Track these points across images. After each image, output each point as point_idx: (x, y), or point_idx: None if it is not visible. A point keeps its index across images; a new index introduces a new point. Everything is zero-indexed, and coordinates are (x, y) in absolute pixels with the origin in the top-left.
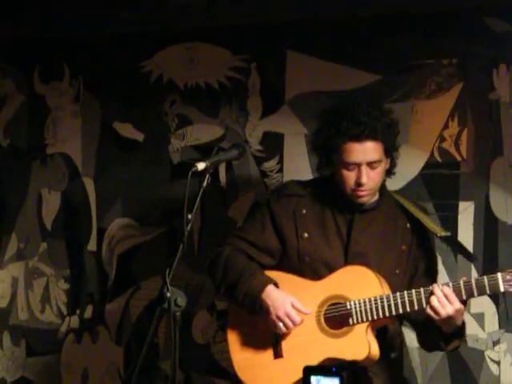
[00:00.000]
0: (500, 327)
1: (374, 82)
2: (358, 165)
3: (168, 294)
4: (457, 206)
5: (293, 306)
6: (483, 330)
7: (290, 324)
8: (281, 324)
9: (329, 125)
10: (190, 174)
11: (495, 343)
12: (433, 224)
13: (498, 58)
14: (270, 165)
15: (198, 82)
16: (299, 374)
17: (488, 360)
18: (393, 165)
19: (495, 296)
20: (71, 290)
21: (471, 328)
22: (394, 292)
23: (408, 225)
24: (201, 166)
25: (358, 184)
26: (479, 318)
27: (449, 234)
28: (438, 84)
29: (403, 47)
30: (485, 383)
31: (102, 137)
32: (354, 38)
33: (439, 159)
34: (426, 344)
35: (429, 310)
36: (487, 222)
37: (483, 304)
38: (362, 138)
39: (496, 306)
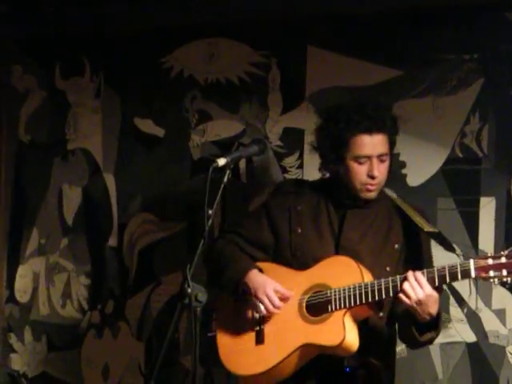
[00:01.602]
0: None
1: (394, 77)
2: (369, 158)
3: (189, 290)
4: (478, 202)
5: (275, 289)
6: (504, 326)
7: (268, 305)
8: (260, 305)
9: (337, 121)
10: (210, 169)
11: None
12: (422, 221)
13: None
14: (291, 160)
15: (218, 77)
16: (276, 359)
17: (509, 356)
18: (392, 162)
19: None
20: (92, 285)
21: (492, 324)
22: None
23: (402, 225)
24: (221, 161)
25: (371, 177)
26: (500, 314)
27: (436, 230)
28: (459, 79)
29: (424, 42)
30: (506, 379)
31: (122, 132)
32: (374, 34)
33: (460, 155)
34: (404, 337)
35: (400, 295)
36: (508, 218)
37: (504, 300)
38: (372, 130)
39: None
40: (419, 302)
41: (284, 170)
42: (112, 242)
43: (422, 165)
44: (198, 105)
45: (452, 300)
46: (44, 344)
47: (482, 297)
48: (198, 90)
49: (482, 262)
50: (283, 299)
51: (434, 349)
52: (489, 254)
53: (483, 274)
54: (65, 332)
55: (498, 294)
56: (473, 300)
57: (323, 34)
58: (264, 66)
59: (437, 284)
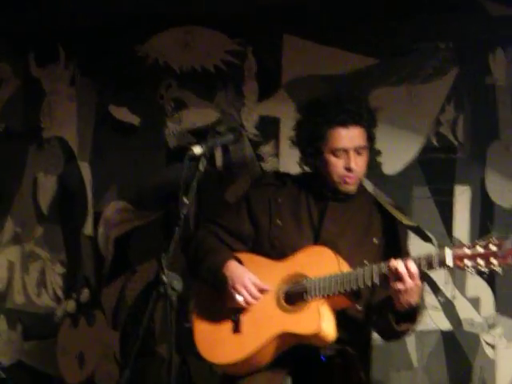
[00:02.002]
0: (496, 311)
1: (370, 65)
2: (346, 151)
3: (164, 278)
4: (453, 190)
5: (253, 282)
6: (479, 313)
7: (246, 295)
8: (238, 296)
9: (314, 114)
10: (186, 157)
11: (491, 327)
12: (401, 216)
13: (495, 41)
14: (266, 149)
15: (193, 65)
16: (253, 348)
17: (483, 344)
18: (370, 155)
19: (491, 280)
20: (67, 273)
21: (467, 312)
22: None
23: (382, 220)
24: (197, 149)
25: (348, 169)
26: (475, 302)
27: (415, 224)
28: (434, 68)
29: (400, 31)
30: (480, 367)
31: (97, 120)
32: (350, 22)
33: (436, 143)
34: (380, 326)
35: (395, 282)
36: (483, 206)
37: (479, 288)
38: (349, 123)
39: (492, 289)
40: (407, 291)
41: (260, 159)
42: (87, 230)
43: (398, 153)
44: (174, 93)
45: (427, 288)
46: (19, 333)
47: (456, 285)
48: (173, 78)
49: (458, 252)
50: (260, 292)
51: (409, 337)
52: (465, 243)
53: (459, 263)
54: (40, 321)
55: (473, 282)
56: (448, 288)
57: (299, 23)
58: (240, 54)
59: None
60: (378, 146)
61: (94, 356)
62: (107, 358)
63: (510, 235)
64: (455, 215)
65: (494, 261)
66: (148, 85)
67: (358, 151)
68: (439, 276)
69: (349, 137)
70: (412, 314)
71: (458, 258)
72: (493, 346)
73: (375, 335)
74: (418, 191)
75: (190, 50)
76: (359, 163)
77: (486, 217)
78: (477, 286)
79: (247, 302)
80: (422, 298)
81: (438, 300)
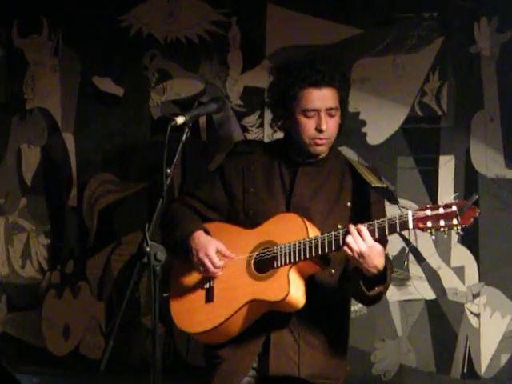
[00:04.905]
0: (480, 280)
1: (354, 35)
2: (318, 111)
3: (147, 249)
4: (437, 160)
5: (217, 250)
6: (463, 283)
7: (209, 265)
8: (201, 266)
9: (286, 75)
10: (168, 128)
11: (475, 296)
12: (372, 178)
13: (479, 10)
14: (251, 119)
15: (177, 36)
16: (224, 316)
17: (468, 313)
18: (342, 120)
19: (475, 249)
20: (52, 245)
21: (451, 281)
22: None
23: (354, 183)
24: (180, 120)
25: (319, 130)
26: (459, 271)
27: (384, 185)
28: (418, 38)
29: (384, 1)
30: (465, 336)
31: (81, 91)
32: None
33: (420, 113)
34: (353, 292)
35: (344, 247)
36: (467, 176)
37: (463, 257)
38: (321, 84)
39: (476, 258)
40: (362, 255)
41: (244, 129)
42: (72, 201)
43: (382, 123)
44: (158, 64)
45: (411, 257)
46: (3, 304)
47: (440, 254)
48: (157, 48)
49: (420, 214)
50: (226, 259)
51: (394, 306)
52: (428, 205)
53: (421, 225)
54: (24, 292)
55: (457, 251)
56: (432, 258)
57: None
58: (224, 24)
59: (376, 236)
60: (363, 116)
61: (79, 327)
62: (92, 330)
63: (472, 195)
64: (440, 185)
65: (454, 221)
66: (132, 56)
67: (329, 113)
68: (424, 246)
69: (320, 97)
70: (382, 276)
71: (419, 220)
72: (477, 315)
73: (359, 305)
74: (402, 161)
75: (173, 20)
76: (330, 124)
77: (470, 186)
78: (461, 256)
79: (210, 272)
80: (389, 259)
81: (422, 269)
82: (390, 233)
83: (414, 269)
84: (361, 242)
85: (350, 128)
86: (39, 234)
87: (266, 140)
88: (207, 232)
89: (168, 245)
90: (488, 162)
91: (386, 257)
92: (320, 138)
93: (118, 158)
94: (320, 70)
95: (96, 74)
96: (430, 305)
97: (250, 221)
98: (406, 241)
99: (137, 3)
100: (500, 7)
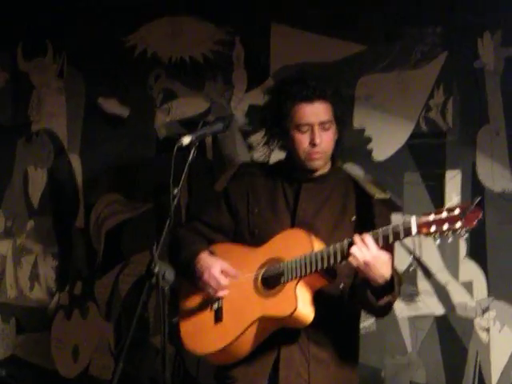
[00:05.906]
0: (489, 295)
1: (358, 52)
2: (311, 126)
3: (156, 269)
4: (444, 175)
5: (221, 269)
6: (472, 297)
7: (214, 286)
8: (207, 287)
9: (278, 93)
10: (175, 148)
11: (484, 311)
12: (375, 189)
13: (482, 25)
14: (256, 138)
15: (182, 55)
16: (234, 335)
17: (477, 328)
18: (341, 135)
19: (483, 263)
20: (60, 266)
21: (460, 296)
22: None
23: (357, 198)
24: (186, 140)
25: (313, 145)
26: (468, 286)
27: (387, 196)
28: (422, 53)
29: (387, 16)
30: (475, 351)
31: (86, 113)
32: (337, 9)
33: (425, 129)
34: (362, 304)
35: (350, 258)
36: (474, 190)
37: (471, 272)
38: (312, 98)
39: (484, 273)
40: (367, 263)
41: (250, 148)
42: (79, 223)
43: (388, 139)
44: (163, 83)
45: (420, 273)
46: (13, 327)
47: (449, 269)
48: (162, 68)
49: (423, 219)
50: (232, 278)
51: (403, 322)
52: (432, 211)
53: (425, 230)
54: (33, 314)
55: (466, 265)
56: (441, 273)
57: (286, 11)
58: (228, 43)
59: (381, 244)
60: (368, 132)
61: (88, 348)
62: (101, 350)
63: (475, 199)
64: (446, 200)
65: (457, 224)
66: (137, 76)
67: (323, 126)
68: (432, 262)
69: (313, 112)
70: (389, 286)
71: (423, 225)
72: (487, 330)
73: (368, 321)
74: (408, 177)
75: (178, 40)
76: (325, 138)
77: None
78: (469, 271)
79: (215, 292)
80: (396, 271)
81: (431, 285)
82: (395, 240)
83: (423, 284)
84: (365, 250)
85: (356, 145)
86: (47, 256)
87: (272, 159)
88: (212, 253)
89: (176, 269)
90: (494, 176)
91: (394, 269)
92: (315, 152)
93: (124, 179)
94: (310, 85)
95: (101, 95)
96: (440, 320)
97: (256, 240)
98: (414, 256)
99: (141, 24)
100: (503, 21)
